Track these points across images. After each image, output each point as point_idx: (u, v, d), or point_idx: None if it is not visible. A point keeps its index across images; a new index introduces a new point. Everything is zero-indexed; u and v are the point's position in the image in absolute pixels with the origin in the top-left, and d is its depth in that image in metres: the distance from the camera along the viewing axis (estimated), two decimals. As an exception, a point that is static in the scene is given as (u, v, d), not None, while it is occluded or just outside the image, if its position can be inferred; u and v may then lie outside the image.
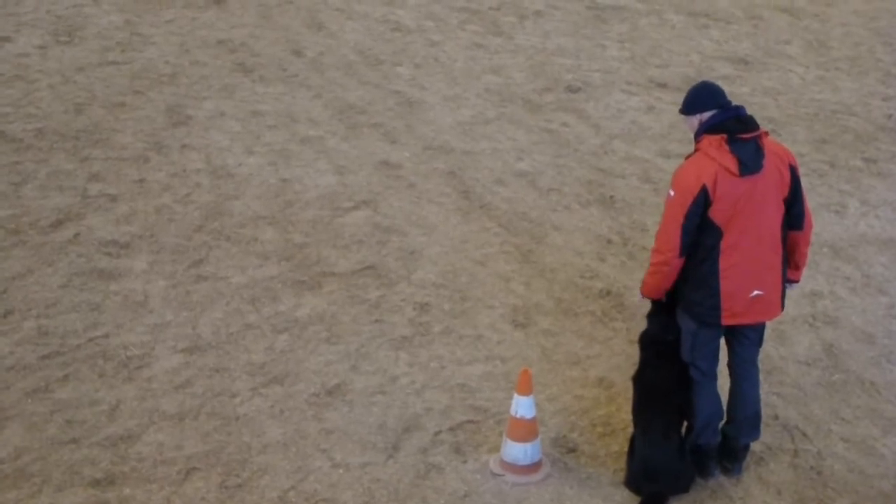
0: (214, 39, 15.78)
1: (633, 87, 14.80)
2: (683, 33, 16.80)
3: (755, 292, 7.61)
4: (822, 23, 17.61)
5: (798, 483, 8.18)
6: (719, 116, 7.52)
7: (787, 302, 9.90)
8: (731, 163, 7.36)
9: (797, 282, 8.17)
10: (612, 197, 11.97)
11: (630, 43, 16.35)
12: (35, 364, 9.11)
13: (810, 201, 8.31)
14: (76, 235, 10.83)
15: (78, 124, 13.06)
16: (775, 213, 7.57)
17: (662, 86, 14.87)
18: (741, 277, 7.54)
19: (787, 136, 13.32)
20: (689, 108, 7.67)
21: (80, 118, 13.23)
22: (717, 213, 7.41)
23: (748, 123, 7.49)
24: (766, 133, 7.57)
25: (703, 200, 7.39)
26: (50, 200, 11.39)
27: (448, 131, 13.35)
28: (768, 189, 7.49)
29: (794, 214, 7.71)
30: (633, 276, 10.51)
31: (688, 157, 7.65)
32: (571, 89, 14.65)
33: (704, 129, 7.55)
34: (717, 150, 7.39)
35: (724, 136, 7.40)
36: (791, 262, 7.92)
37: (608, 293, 10.30)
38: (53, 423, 8.50)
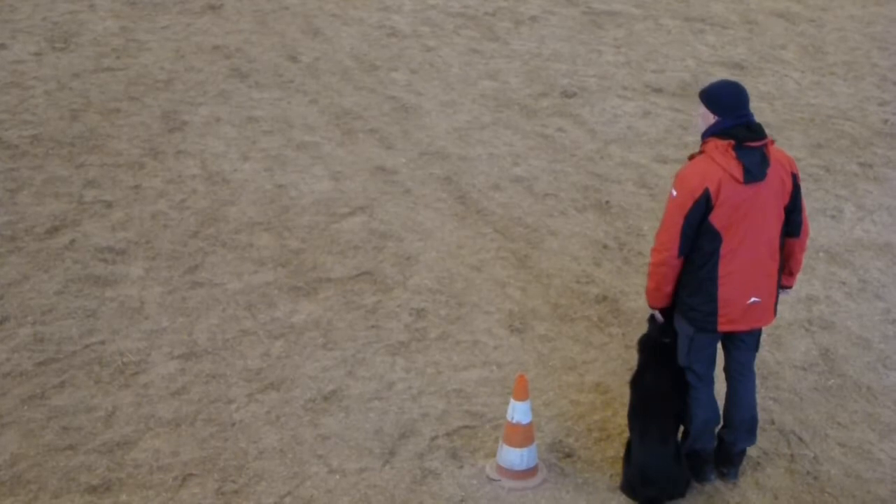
0: (210, 45, 15.79)
1: (629, 93, 14.80)
2: (679, 38, 16.81)
3: (752, 299, 7.60)
4: (817, 28, 17.63)
5: (795, 488, 8.18)
6: (731, 122, 7.48)
7: (783, 307, 9.96)
8: (737, 170, 7.33)
9: (790, 288, 8.16)
10: (607, 202, 11.97)
11: (626, 48, 16.36)
12: (31, 371, 9.10)
13: (807, 206, 8.31)
14: (72, 242, 10.83)
15: (73, 131, 13.06)
16: (775, 221, 7.56)
17: (658, 91, 14.88)
18: (739, 284, 7.53)
19: (783, 140, 13.33)
20: (714, 105, 7.55)
21: (76, 124, 13.23)
22: (717, 219, 7.39)
23: (757, 132, 7.46)
24: (773, 142, 7.55)
25: (704, 203, 7.36)
26: (46, 207, 11.39)
27: (444, 137, 13.35)
28: (770, 197, 7.47)
29: (792, 222, 7.69)
30: (629, 282, 10.52)
31: (691, 156, 7.60)
32: (567, 94, 14.66)
33: (713, 132, 7.51)
34: (723, 156, 7.36)
35: (732, 142, 7.37)
36: (786, 268, 7.91)
37: (604, 298, 10.30)
38: (50, 429, 8.49)
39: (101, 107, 13.74)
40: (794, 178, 7.63)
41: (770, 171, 7.43)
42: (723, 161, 7.35)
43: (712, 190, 7.34)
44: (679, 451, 7.96)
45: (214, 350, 9.44)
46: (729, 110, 7.49)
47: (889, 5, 18.89)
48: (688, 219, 7.41)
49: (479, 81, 15.03)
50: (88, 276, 10.33)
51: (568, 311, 10.14)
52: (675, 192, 7.47)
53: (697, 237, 7.48)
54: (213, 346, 9.50)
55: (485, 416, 8.78)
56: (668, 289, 7.73)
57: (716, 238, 7.44)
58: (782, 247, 7.71)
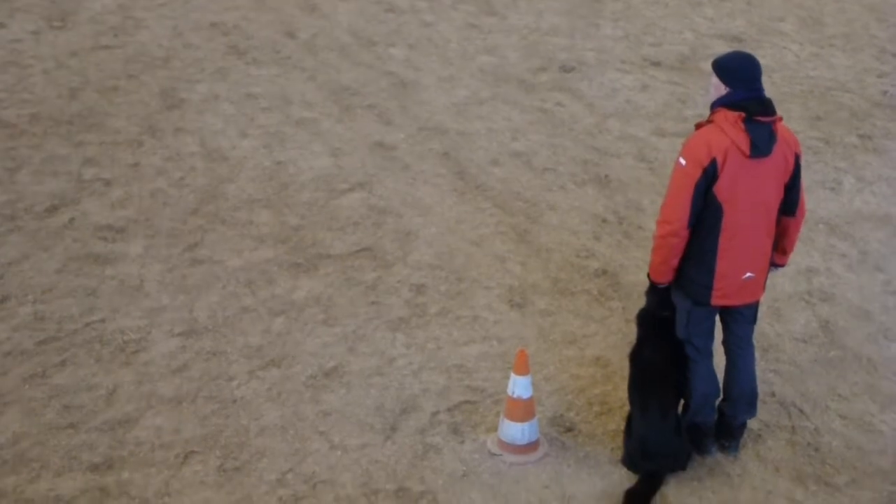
0: (207, 22, 15.76)
1: (628, 66, 14.78)
2: (677, 11, 16.77)
3: (747, 275, 7.60)
4: (815, -1, 17.60)
5: (796, 460, 8.19)
6: (743, 95, 7.44)
7: (783, 279, 9.98)
8: (744, 142, 7.30)
9: (783, 266, 8.14)
10: (606, 176, 11.96)
11: (624, 21, 16.33)
12: (32, 349, 9.11)
13: (806, 179, 8.30)
14: (71, 220, 10.83)
15: (72, 109, 13.05)
16: (775, 198, 7.55)
17: (657, 64, 14.85)
18: (737, 258, 7.52)
19: (782, 113, 13.25)
20: (727, 76, 7.50)
21: (74, 103, 13.21)
22: (720, 190, 7.37)
23: (767, 107, 7.44)
24: (781, 118, 7.53)
25: (711, 173, 7.33)
26: (45, 186, 11.39)
27: (442, 112, 13.34)
28: (773, 173, 7.45)
29: (789, 200, 7.67)
30: (628, 255, 10.52)
31: (698, 125, 7.57)
32: (565, 69, 14.64)
33: (724, 103, 7.48)
34: (732, 127, 7.32)
35: (743, 114, 7.34)
36: (779, 246, 7.88)
37: (604, 272, 10.30)
38: (51, 408, 8.50)
39: (99, 85, 13.73)
40: (797, 158, 7.61)
41: (776, 148, 7.42)
42: (731, 132, 7.32)
43: (719, 160, 7.31)
44: (680, 424, 7.97)
45: (215, 327, 9.45)
46: (741, 82, 7.46)
47: (887, -24, 18.86)
48: (697, 188, 7.37)
49: (478, 56, 15.01)
50: (88, 255, 10.33)
51: (568, 285, 10.14)
52: (683, 161, 7.40)
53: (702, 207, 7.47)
54: (213, 323, 9.50)
55: (486, 390, 8.79)
56: (675, 262, 7.67)
57: (718, 210, 7.42)
58: (777, 225, 7.70)
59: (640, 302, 8.47)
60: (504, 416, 8.08)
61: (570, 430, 8.43)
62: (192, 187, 11.47)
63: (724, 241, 7.48)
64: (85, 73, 14.02)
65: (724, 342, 8.13)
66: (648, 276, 7.95)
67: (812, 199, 11.12)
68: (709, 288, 7.61)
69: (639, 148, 12.58)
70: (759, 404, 8.35)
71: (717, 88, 7.55)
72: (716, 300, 7.66)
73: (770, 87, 14.03)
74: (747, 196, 7.41)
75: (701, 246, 7.55)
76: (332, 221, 10.95)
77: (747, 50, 14.63)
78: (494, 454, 8.13)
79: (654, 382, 7.92)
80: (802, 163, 7.75)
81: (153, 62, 14.44)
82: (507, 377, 8.20)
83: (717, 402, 8.15)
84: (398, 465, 8.06)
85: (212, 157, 12.07)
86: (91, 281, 9.98)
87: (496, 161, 12.18)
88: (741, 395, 8.13)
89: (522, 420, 8.03)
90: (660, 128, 13.07)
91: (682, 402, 8.10)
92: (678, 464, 8.00)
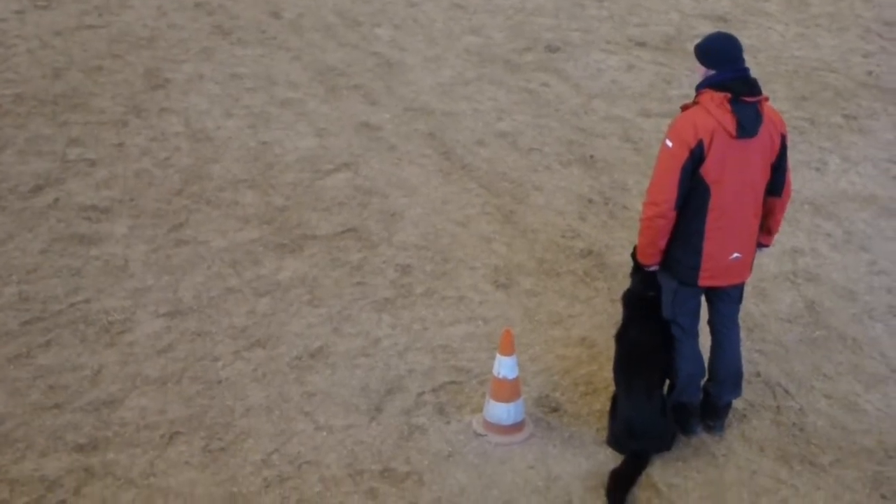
0: (192, 2, 15.71)
1: (613, 47, 14.77)
2: (663, -9, 16.77)
3: (734, 255, 7.59)
4: (801, -20, 17.59)
5: (781, 439, 8.20)
6: (728, 75, 7.44)
7: (768, 259, 9.98)
8: (730, 123, 7.29)
9: (768, 246, 8.13)
10: (592, 156, 11.95)
11: (609, 2, 16.31)
12: (17, 330, 9.08)
13: (791, 159, 8.29)
14: (56, 200, 10.79)
15: (56, 89, 13.01)
16: (761, 179, 7.54)
17: (642, 45, 14.85)
18: (724, 239, 7.51)
19: (767, 93, 13.26)
20: (708, 59, 7.51)
21: (59, 83, 13.17)
22: (707, 172, 7.35)
23: (753, 87, 7.43)
24: (767, 98, 7.53)
25: (698, 154, 7.32)
26: (29, 166, 11.35)
27: (428, 92, 13.32)
28: (759, 154, 7.45)
29: (775, 181, 7.66)
30: (614, 236, 10.52)
31: (684, 106, 7.55)
32: (551, 49, 14.62)
33: (708, 84, 7.47)
34: (718, 108, 7.31)
35: (728, 95, 7.33)
36: (765, 226, 7.87)
37: (589, 253, 10.30)
38: (36, 388, 8.48)
39: (83, 65, 13.69)
40: (783, 138, 7.61)
41: (762, 129, 7.41)
42: (717, 113, 7.31)
43: (706, 141, 7.30)
44: (665, 404, 7.98)
45: (200, 308, 9.43)
46: (723, 62, 7.45)
47: (873, -43, 18.86)
48: (684, 169, 7.36)
49: (463, 36, 14.99)
50: (73, 235, 10.30)
51: (553, 265, 10.14)
52: (669, 143, 7.39)
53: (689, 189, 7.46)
54: (198, 303, 9.49)
55: (471, 371, 8.78)
56: (662, 243, 7.65)
57: (706, 192, 7.40)
58: (763, 205, 7.69)
59: (625, 282, 8.47)
60: (489, 397, 8.08)
61: (555, 410, 8.43)
62: (177, 167, 11.45)
63: (711, 222, 7.47)
64: (69, 53, 13.98)
65: (710, 322, 8.13)
66: (633, 256, 7.96)
67: (797, 179, 11.13)
68: (696, 269, 7.60)
69: (624, 128, 12.58)
70: (745, 384, 8.36)
71: (702, 73, 7.55)
72: (703, 281, 7.66)
73: (755, 67, 14.02)
74: (734, 177, 7.40)
75: (688, 227, 7.54)
76: (317, 202, 10.93)
77: (732, 30, 14.67)
78: (480, 434, 8.13)
79: (640, 363, 7.93)
80: (788, 143, 7.75)
81: (138, 42, 14.40)
82: (493, 357, 8.20)
83: (703, 382, 8.16)
84: (383, 445, 8.06)
85: (196, 138, 12.04)
86: (76, 261, 9.96)
87: (482, 141, 12.17)
88: (726, 375, 8.13)
89: (508, 400, 8.02)
90: (645, 108, 13.07)
91: (667, 382, 8.12)
92: (663, 444, 8.01)
